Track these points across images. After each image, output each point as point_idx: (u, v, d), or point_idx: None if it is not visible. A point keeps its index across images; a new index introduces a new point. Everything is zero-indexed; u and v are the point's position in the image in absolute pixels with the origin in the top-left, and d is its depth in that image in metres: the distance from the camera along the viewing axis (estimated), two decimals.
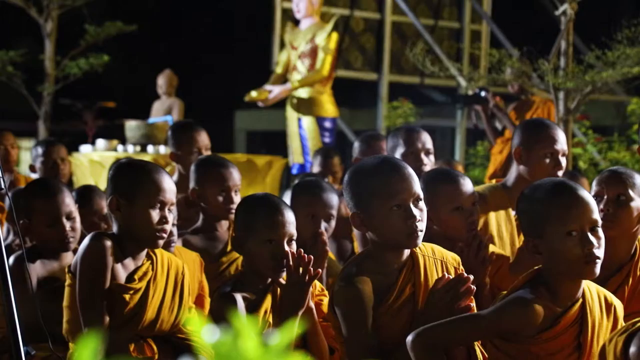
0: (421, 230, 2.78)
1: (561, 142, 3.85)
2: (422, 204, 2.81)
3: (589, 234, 2.65)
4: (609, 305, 2.79)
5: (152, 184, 3.02)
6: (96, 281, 2.95)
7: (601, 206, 3.24)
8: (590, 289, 2.76)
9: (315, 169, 5.89)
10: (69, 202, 3.55)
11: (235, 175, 3.93)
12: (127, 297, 2.99)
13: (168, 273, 3.09)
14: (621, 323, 2.78)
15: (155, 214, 3.00)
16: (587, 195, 2.72)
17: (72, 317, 3.03)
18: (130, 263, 3.05)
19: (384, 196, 2.76)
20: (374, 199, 2.77)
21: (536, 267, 2.77)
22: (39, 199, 3.53)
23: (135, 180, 3.04)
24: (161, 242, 3.03)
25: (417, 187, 2.80)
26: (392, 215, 2.75)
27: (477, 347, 2.87)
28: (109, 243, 2.96)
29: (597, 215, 2.69)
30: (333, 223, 3.49)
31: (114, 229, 3.07)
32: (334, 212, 3.51)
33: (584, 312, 2.71)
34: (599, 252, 2.66)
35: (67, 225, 3.50)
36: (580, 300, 2.73)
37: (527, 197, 2.78)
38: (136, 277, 3.03)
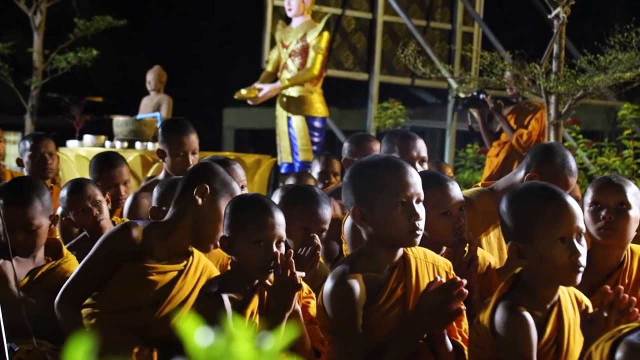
0: (421, 230, 2.80)
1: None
2: (422, 205, 2.82)
3: (576, 242, 2.65)
4: (579, 304, 2.80)
5: (233, 190, 3.16)
6: (96, 262, 3.07)
7: (602, 214, 3.24)
8: (562, 289, 2.77)
9: (317, 169, 5.85)
10: (36, 213, 3.46)
11: (239, 171, 3.96)
12: (150, 277, 3.06)
13: (200, 277, 3.14)
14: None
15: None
16: (575, 203, 2.72)
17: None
18: (167, 253, 3.11)
19: (390, 191, 2.78)
20: (379, 193, 2.79)
21: (514, 273, 2.77)
22: (9, 207, 3.42)
23: (224, 179, 3.16)
24: (212, 247, 3.14)
25: (420, 187, 2.83)
26: (396, 211, 2.77)
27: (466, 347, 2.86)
28: (135, 232, 3.06)
29: (582, 224, 2.70)
30: (324, 235, 3.48)
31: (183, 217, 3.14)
32: (327, 226, 3.50)
33: (560, 313, 2.73)
34: (584, 260, 2.68)
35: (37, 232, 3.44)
36: (557, 302, 2.74)
37: (516, 200, 2.76)
38: (166, 264, 3.09)
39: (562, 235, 2.64)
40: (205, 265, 3.18)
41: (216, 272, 3.21)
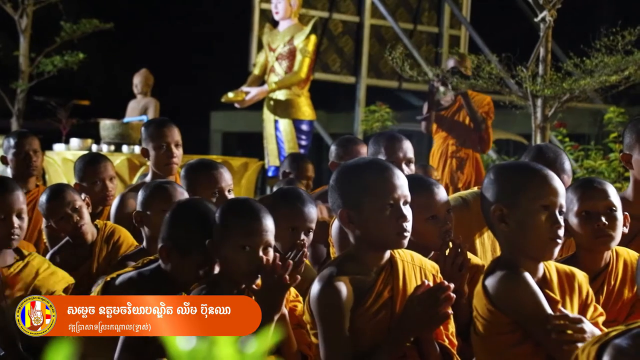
0: (408, 232, 2.80)
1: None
2: (409, 207, 2.82)
3: (557, 214, 2.68)
4: (569, 277, 2.79)
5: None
6: None
7: (596, 221, 3.22)
8: (549, 268, 2.77)
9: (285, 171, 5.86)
10: (22, 201, 3.50)
11: (226, 175, 3.93)
12: None
13: None
14: (587, 289, 2.80)
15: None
16: (560, 181, 2.77)
17: None
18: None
19: (377, 193, 2.79)
20: (366, 196, 2.79)
21: (492, 260, 2.78)
22: None
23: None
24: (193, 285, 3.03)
25: (407, 189, 2.84)
26: (384, 213, 2.78)
27: (451, 349, 2.86)
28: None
29: (564, 202, 2.72)
30: (311, 235, 3.48)
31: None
32: (313, 225, 3.50)
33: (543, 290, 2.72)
34: (562, 234, 2.70)
35: (16, 222, 3.45)
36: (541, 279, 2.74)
37: (504, 167, 2.83)
38: None
39: (546, 204, 2.67)
40: None
41: None
